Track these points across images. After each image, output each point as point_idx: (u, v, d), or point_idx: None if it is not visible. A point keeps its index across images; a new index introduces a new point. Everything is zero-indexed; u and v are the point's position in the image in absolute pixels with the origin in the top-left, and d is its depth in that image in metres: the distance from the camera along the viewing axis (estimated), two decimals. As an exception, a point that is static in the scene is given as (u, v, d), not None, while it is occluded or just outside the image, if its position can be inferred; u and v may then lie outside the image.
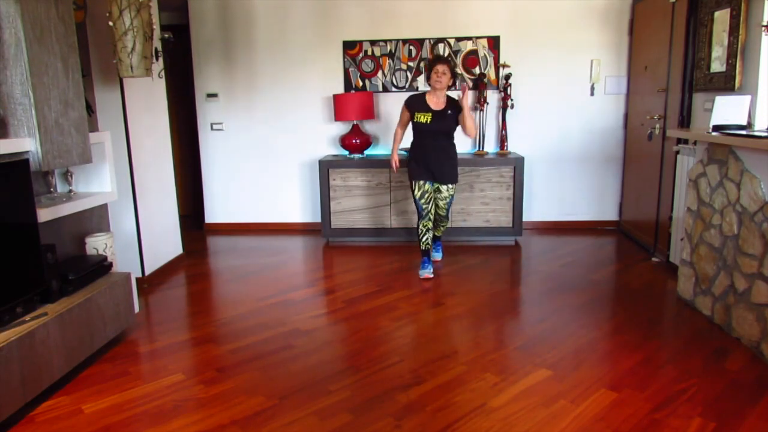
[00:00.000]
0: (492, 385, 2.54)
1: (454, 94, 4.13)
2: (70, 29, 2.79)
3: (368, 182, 4.97)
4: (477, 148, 5.32)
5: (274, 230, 5.65)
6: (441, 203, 4.09)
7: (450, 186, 4.05)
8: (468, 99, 3.88)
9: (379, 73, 5.35)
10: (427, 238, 4.06)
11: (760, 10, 3.21)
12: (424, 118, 3.91)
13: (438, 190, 4.07)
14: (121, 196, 3.77)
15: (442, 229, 4.30)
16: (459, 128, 3.99)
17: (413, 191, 4.04)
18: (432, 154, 3.96)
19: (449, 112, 3.92)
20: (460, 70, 5.26)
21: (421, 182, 3.99)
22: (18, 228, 2.53)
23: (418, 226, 4.07)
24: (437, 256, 4.41)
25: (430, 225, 4.07)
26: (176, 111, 5.73)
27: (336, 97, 5.13)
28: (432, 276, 4.04)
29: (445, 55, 5.22)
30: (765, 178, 2.76)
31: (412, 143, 4.06)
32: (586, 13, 5.13)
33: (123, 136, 3.82)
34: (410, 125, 4.04)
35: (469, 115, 3.86)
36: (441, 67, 3.81)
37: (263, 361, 2.83)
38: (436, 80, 3.82)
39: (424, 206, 4.01)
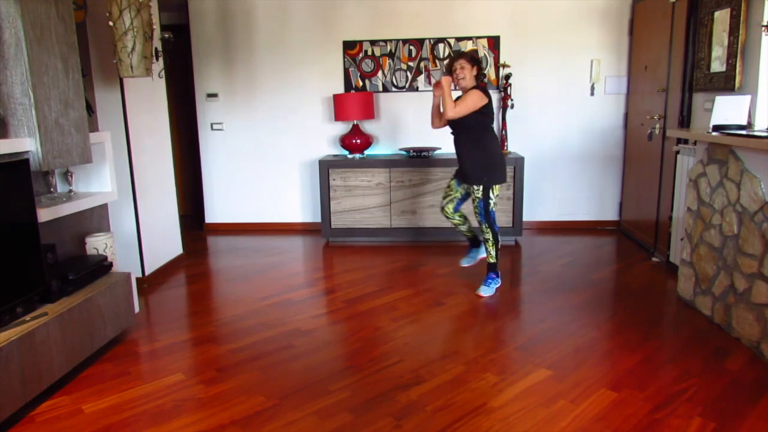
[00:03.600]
0: (492, 385, 2.54)
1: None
2: (70, 29, 2.79)
3: (368, 182, 4.97)
4: (477, 148, 5.32)
5: (274, 230, 5.65)
6: (472, 207, 3.73)
7: (474, 187, 3.64)
8: (446, 87, 3.54)
9: (379, 73, 5.35)
10: (460, 228, 3.91)
11: (760, 10, 3.21)
12: None
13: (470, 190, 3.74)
14: (121, 196, 3.77)
15: (482, 237, 3.78)
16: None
17: (490, 198, 3.69)
18: (460, 150, 3.69)
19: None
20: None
21: (451, 178, 3.83)
22: (18, 228, 2.53)
23: (498, 236, 3.76)
24: (480, 253, 3.94)
25: (456, 221, 3.85)
26: (176, 111, 5.73)
27: (336, 97, 5.13)
28: (466, 265, 3.98)
29: (445, 55, 5.24)
30: (765, 178, 2.76)
31: (495, 139, 3.74)
32: (586, 14, 5.13)
33: (123, 136, 3.82)
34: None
35: (448, 97, 3.53)
36: (460, 62, 3.56)
37: (263, 361, 2.83)
38: (455, 76, 3.58)
39: (442, 198, 3.85)
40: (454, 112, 3.51)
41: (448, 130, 3.90)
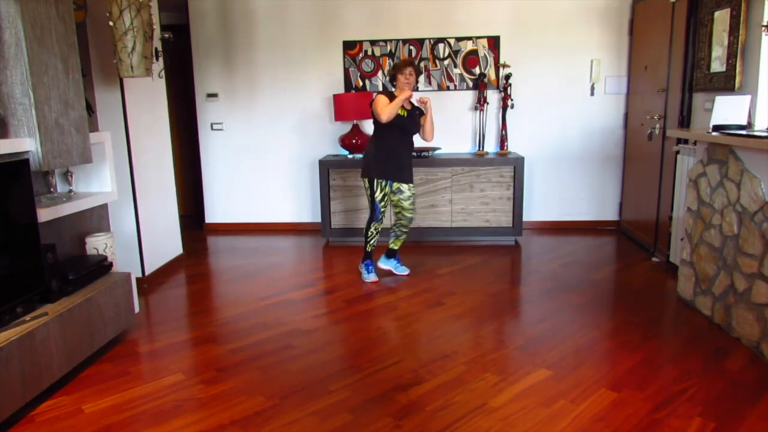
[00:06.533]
0: (492, 385, 2.54)
1: (418, 95, 4.06)
2: (70, 29, 2.79)
3: (368, 182, 4.97)
4: (477, 148, 5.32)
5: (274, 230, 5.65)
6: (406, 204, 3.97)
7: (411, 185, 3.97)
8: (431, 109, 3.94)
9: (379, 73, 5.35)
10: (376, 241, 4.03)
11: (760, 10, 3.21)
12: (402, 111, 3.85)
13: (399, 191, 3.94)
14: (121, 196, 3.77)
15: (402, 239, 4.12)
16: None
17: (374, 192, 3.91)
18: (403, 152, 3.92)
19: (416, 112, 3.94)
20: (460, 70, 5.27)
21: (383, 183, 3.89)
22: (18, 228, 2.53)
23: (371, 227, 3.97)
24: (404, 270, 4.17)
25: (380, 228, 4.01)
26: (176, 111, 5.73)
27: (336, 97, 5.13)
28: (378, 280, 4.03)
29: (445, 55, 5.24)
30: (765, 178, 2.76)
31: (379, 141, 3.89)
32: (586, 14, 5.13)
33: (123, 136, 3.82)
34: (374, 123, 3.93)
35: (432, 121, 3.96)
36: (409, 69, 3.85)
37: (263, 361, 2.83)
38: (405, 82, 3.83)
39: (383, 209, 3.95)
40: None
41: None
